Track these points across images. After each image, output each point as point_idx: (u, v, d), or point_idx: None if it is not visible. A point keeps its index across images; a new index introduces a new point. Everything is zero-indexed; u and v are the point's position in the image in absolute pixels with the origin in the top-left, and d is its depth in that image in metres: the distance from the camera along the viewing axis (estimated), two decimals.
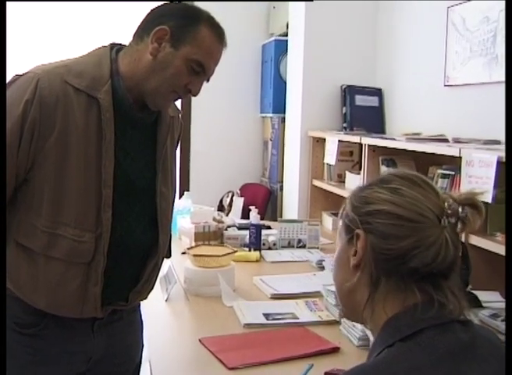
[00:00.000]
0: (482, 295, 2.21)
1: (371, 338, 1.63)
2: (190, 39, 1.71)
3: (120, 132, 1.73)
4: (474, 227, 1.15)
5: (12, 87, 1.66)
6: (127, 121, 1.76)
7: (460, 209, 1.14)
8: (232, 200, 4.95)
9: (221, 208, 4.97)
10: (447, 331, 1.10)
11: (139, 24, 1.78)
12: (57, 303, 1.71)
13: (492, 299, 2.20)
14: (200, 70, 1.74)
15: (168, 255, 2.01)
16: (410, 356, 1.07)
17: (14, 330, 1.72)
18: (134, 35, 1.78)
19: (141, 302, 2.01)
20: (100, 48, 1.81)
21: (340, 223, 1.27)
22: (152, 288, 1.96)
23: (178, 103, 2.03)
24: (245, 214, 4.26)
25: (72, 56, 1.78)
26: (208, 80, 1.81)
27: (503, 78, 2.87)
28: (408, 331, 1.10)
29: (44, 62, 1.75)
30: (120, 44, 1.83)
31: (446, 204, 1.14)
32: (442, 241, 1.11)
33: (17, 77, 1.68)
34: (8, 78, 1.71)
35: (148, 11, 1.78)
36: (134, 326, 1.98)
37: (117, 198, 1.72)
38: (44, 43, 5.20)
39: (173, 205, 1.98)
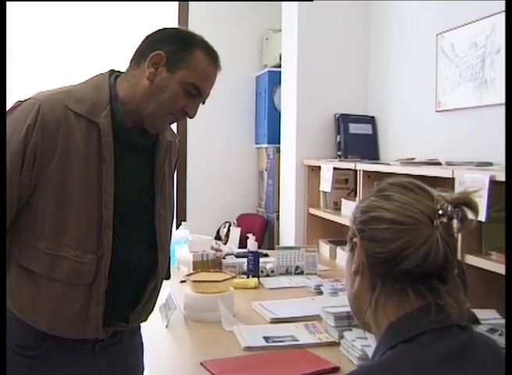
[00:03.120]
0: (479, 313, 2.22)
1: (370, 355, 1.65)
2: (186, 63, 1.76)
3: (120, 156, 1.77)
4: (470, 226, 1.17)
5: (14, 112, 1.71)
6: (126, 145, 1.80)
7: (451, 208, 1.16)
8: (229, 230, 4.95)
9: (218, 238, 4.98)
10: (448, 334, 1.13)
11: (135, 49, 1.84)
12: (59, 324, 1.73)
13: (489, 317, 2.21)
14: (197, 93, 1.79)
15: (168, 277, 2.04)
16: (413, 357, 1.10)
17: (15, 352, 1.74)
18: (131, 60, 1.83)
19: (142, 328, 2.03)
20: (98, 74, 1.85)
21: None
22: (152, 310, 1.98)
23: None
24: (242, 244, 4.27)
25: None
26: (203, 103, 1.86)
27: (493, 101, 2.93)
28: (410, 334, 1.13)
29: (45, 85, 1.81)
30: (118, 71, 1.88)
31: (438, 205, 1.17)
32: (433, 240, 1.14)
33: (19, 103, 1.72)
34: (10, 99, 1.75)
35: (144, 37, 1.84)
36: (135, 348, 2.00)
37: (117, 221, 1.76)
38: (44, 43, 5.26)
39: (171, 227, 2.02)
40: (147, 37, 1.83)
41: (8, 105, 1.76)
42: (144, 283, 1.87)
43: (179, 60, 1.76)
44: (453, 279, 1.19)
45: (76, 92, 1.76)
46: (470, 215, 1.17)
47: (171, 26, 1.90)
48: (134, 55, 1.83)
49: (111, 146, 1.74)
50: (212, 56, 1.82)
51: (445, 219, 1.16)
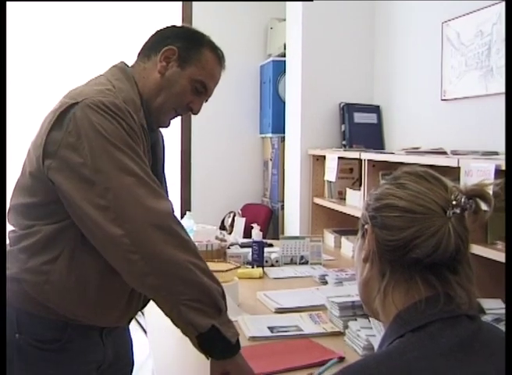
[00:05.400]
0: (485, 303, 2.18)
1: (376, 346, 1.65)
2: (196, 60, 1.84)
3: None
4: (483, 218, 1.16)
5: (113, 113, 1.66)
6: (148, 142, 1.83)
7: (465, 200, 1.15)
8: (233, 220, 4.95)
9: (222, 228, 4.98)
10: (456, 324, 1.13)
11: (144, 44, 1.90)
12: (105, 316, 1.79)
13: (494, 306, 2.20)
14: (203, 90, 1.87)
15: None
16: (421, 346, 1.10)
17: (35, 347, 1.73)
18: (140, 54, 1.89)
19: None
20: (118, 69, 1.85)
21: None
22: None
23: (178, 127, 2.12)
24: (247, 234, 4.27)
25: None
26: (206, 100, 1.93)
27: (498, 90, 2.91)
28: (418, 323, 1.13)
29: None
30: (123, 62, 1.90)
31: (452, 196, 1.16)
32: (445, 230, 1.13)
33: (104, 104, 1.65)
34: None
35: (154, 32, 1.90)
36: (127, 330, 2.07)
37: None
38: (47, 43, 5.28)
39: None
40: (158, 32, 1.90)
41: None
42: None
43: (189, 57, 1.83)
44: (464, 270, 1.18)
45: (119, 91, 1.74)
46: (483, 206, 1.16)
47: (180, 25, 1.96)
48: (143, 49, 1.89)
49: (149, 144, 1.80)
50: (219, 56, 1.90)
51: (458, 210, 1.15)
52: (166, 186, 2.04)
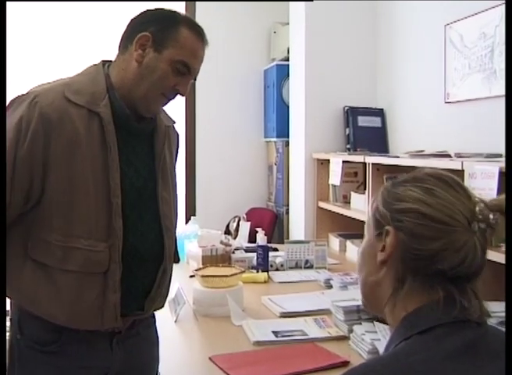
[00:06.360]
0: (489, 306, 2.20)
1: (381, 350, 1.64)
2: (172, 41, 1.78)
3: (122, 143, 1.78)
4: (501, 235, 1.16)
5: (11, 108, 1.71)
6: (127, 132, 1.81)
7: (491, 216, 1.14)
8: (238, 225, 4.95)
9: (227, 233, 4.97)
10: (463, 328, 1.12)
11: (122, 35, 1.86)
12: (77, 316, 1.74)
13: (499, 309, 2.18)
14: (186, 70, 1.80)
15: (177, 261, 2.04)
16: (427, 348, 1.09)
17: (35, 349, 1.75)
18: (119, 46, 1.85)
19: None
20: (92, 66, 1.87)
21: (370, 214, 1.27)
22: (166, 295, 1.99)
23: (183, 131, 2.10)
24: (252, 238, 4.27)
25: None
26: (194, 80, 1.87)
27: (502, 92, 2.90)
28: (425, 326, 1.12)
29: (42, 79, 1.83)
30: (110, 61, 1.89)
31: (477, 208, 1.15)
32: (471, 245, 1.13)
33: (16, 98, 1.73)
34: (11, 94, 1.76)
35: (129, 21, 1.85)
36: (150, 341, 2.00)
37: (127, 208, 1.77)
38: (51, 44, 5.27)
39: (176, 210, 2.02)
40: (132, 20, 1.85)
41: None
42: (157, 268, 1.88)
43: (165, 39, 1.77)
44: (478, 278, 1.18)
45: (74, 84, 1.78)
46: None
47: (153, 8, 1.89)
48: (121, 41, 1.85)
49: (113, 134, 1.75)
50: (198, 32, 1.83)
51: (483, 226, 1.14)
52: (175, 182, 2.02)
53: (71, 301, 1.72)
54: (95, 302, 1.73)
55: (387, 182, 1.28)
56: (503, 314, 2.15)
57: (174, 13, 1.85)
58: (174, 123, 2.05)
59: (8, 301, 1.75)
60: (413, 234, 1.15)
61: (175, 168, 2.06)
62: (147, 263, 1.84)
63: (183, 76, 1.81)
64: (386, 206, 1.21)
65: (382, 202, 1.23)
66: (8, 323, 1.80)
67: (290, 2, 4.78)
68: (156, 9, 1.87)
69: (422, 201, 1.16)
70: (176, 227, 2.00)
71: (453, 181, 1.20)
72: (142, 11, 1.86)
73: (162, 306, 1.98)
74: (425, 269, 1.15)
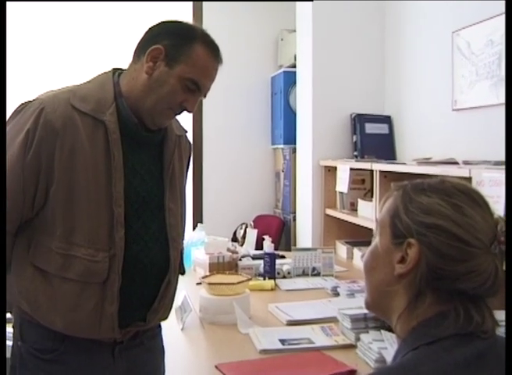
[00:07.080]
0: (497, 314, 2.19)
1: (388, 359, 1.63)
2: (185, 58, 1.74)
3: (129, 152, 1.77)
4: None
5: (18, 116, 1.71)
6: (134, 141, 1.79)
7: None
8: (245, 232, 4.95)
9: (234, 240, 4.97)
10: (472, 340, 1.11)
11: (137, 43, 1.82)
12: (74, 324, 1.72)
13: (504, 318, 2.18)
14: (195, 88, 1.78)
15: (183, 272, 2.02)
16: (435, 359, 1.08)
17: (33, 355, 1.74)
18: (134, 54, 1.82)
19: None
20: (102, 73, 1.85)
21: (385, 214, 1.22)
22: (171, 307, 1.96)
23: (190, 135, 2.07)
24: (259, 246, 4.27)
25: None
26: (204, 96, 1.85)
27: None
28: (434, 337, 1.11)
29: (49, 86, 1.82)
30: (121, 69, 1.87)
31: (498, 228, 1.13)
32: (493, 268, 1.11)
33: (23, 106, 1.72)
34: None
35: (146, 30, 1.82)
36: (155, 352, 1.97)
37: (132, 217, 1.76)
38: (44, 43, 5.28)
39: (184, 221, 2.00)
40: (148, 30, 1.82)
41: (8, 104, 1.76)
42: (161, 279, 1.85)
43: (178, 55, 1.74)
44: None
45: (81, 91, 1.76)
46: None
47: (172, 20, 1.86)
48: (136, 49, 1.82)
49: (118, 143, 1.73)
50: (213, 50, 1.79)
51: (503, 248, 1.13)
52: (184, 193, 1.99)
53: (69, 309, 1.71)
54: (92, 312, 1.72)
55: (403, 183, 1.23)
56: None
57: (192, 28, 1.82)
58: (186, 132, 2.03)
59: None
60: (439, 253, 1.13)
61: (186, 178, 2.03)
62: (150, 274, 1.81)
63: (192, 93, 1.78)
64: (410, 216, 1.17)
65: (404, 209, 1.18)
66: (11, 330, 1.81)
67: (297, 10, 4.78)
68: (175, 21, 1.84)
69: (452, 220, 1.13)
70: (183, 238, 1.99)
71: (479, 198, 1.18)
72: (160, 21, 1.83)
73: (166, 317, 1.96)
74: (446, 287, 1.14)
